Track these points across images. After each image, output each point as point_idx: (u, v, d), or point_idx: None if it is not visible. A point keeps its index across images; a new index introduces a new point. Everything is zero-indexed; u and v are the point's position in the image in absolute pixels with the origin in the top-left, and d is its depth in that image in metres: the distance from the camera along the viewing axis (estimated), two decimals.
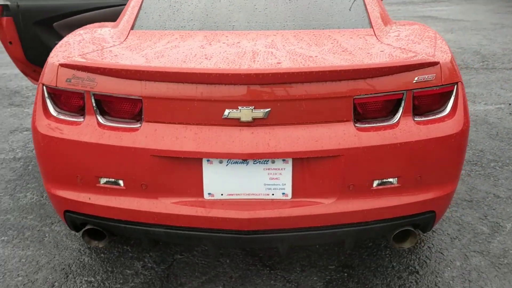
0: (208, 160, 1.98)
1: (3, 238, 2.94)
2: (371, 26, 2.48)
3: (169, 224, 2.03)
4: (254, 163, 1.98)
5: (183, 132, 1.95)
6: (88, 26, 2.81)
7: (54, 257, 2.76)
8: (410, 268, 2.64)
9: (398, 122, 2.01)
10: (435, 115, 2.07)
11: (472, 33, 8.88)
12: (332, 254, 2.75)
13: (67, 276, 2.60)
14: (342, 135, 1.95)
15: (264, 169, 1.99)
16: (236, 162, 1.98)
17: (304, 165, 1.98)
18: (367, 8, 2.61)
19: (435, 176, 2.09)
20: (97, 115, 2.03)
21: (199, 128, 1.95)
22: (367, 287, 2.49)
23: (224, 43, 2.24)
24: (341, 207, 2.01)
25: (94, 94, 2.00)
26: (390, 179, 2.04)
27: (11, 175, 3.77)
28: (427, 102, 2.06)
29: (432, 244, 2.84)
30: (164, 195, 2.02)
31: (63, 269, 2.66)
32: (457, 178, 2.17)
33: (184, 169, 1.99)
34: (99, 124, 2.02)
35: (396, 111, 2.03)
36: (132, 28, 2.53)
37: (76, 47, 2.26)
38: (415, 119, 2.03)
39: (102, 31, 2.58)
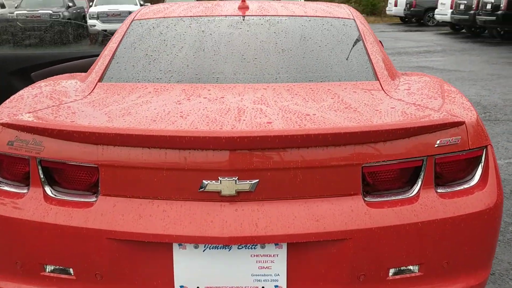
0: (180, 245, 1.56)
1: None
2: (377, 78, 2.13)
3: None
4: (238, 249, 1.57)
5: (149, 209, 1.55)
6: (54, 77, 2.45)
7: None
8: None
9: (417, 195, 1.62)
10: (461, 185, 1.69)
11: (469, 83, 8.67)
12: None
13: None
14: (349, 213, 1.56)
15: (251, 255, 1.58)
16: (215, 248, 1.57)
17: (302, 250, 1.57)
18: (371, 58, 2.28)
19: (465, 262, 1.68)
20: (44, 186, 1.63)
21: (169, 204, 1.55)
22: None
23: (205, 98, 1.88)
24: None
25: (40, 161, 1.61)
26: (410, 267, 1.63)
27: None
28: (452, 170, 1.68)
29: None
30: (124, 287, 1.59)
31: None
32: (490, 263, 1.76)
33: (150, 256, 1.58)
34: (45, 197, 1.62)
35: (415, 181, 1.64)
36: (100, 80, 2.17)
37: (29, 102, 1.89)
38: (438, 190, 1.65)
39: (67, 83, 2.22)
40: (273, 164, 1.52)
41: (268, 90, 1.98)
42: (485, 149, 1.72)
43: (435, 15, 19.16)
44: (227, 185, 1.51)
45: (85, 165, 1.57)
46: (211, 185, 1.52)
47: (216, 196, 1.54)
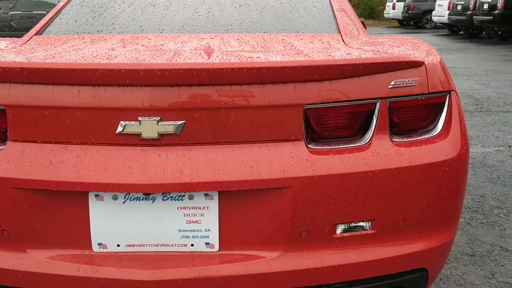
0: (96, 195, 1.38)
1: None
2: (339, 32, 1.95)
3: None
4: (163, 200, 1.38)
5: (61, 154, 1.37)
6: None
7: None
8: None
9: (369, 143, 1.43)
10: (420, 135, 1.50)
11: (463, 78, 8.49)
12: None
13: None
14: (288, 160, 1.37)
15: (178, 208, 1.39)
16: (137, 199, 1.38)
17: (236, 203, 1.38)
18: (335, 14, 2.10)
19: (425, 220, 1.48)
20: None
21: (83, 149, 1.37)
22: None
23: (142, 45, 1.70)
24: (290, 263, 1.39)
25: None
26: (361, 223, 1.44)
27: None
28: (410, 117, 1.49)
29: None
30: (35, 246, 1.40)
31: None
32: (455, 224, 1.57)
33: (63, 209, 1.39)
34: None
35: (367, 128, 1.45)
36: (38, 33, 2.00)
37: None
38: (394, 139, 1.46)
39: (6, 42, 2.04)
40: (201, 103, 1.33)
41: (215, 39, 1.80)
42: (448, 95, 1.53)
43: (432, 17, 19.03)
44: (147, 126, 1.32)
45: None
46: (129, 126, 1.33)
47: (136, 140, 1.35)
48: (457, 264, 2.57)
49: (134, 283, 1.35)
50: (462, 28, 17.10)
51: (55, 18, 2.14)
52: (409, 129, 1.50)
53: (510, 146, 4.60)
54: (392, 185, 1.42)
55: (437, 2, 18.24)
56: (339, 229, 1.42)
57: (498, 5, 13.87)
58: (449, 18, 16.78)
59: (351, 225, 1.43)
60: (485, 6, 14.37)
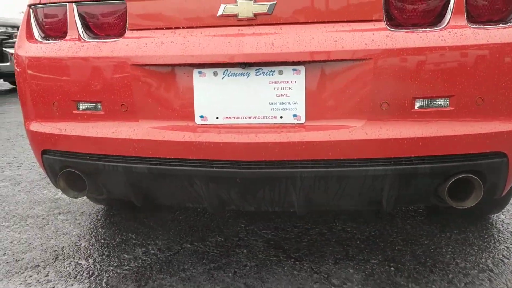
0: (199, 72, 1.59)
1: (3, 224, 2.64)
2: None
3: (151, 155, 1.62)
4: (256, 75, 1.56)
5: (171, 37, 1.60)
6: None
7: (50, 240, 2.40)
8: (480, 266, 1.98)
9: (447, 25, 1.53)
10: (498, 23, 1.57)
11: None
12: (375, 249, 2.16)
13: (57, 258, 2.21)
14: (370, 35, 1.50)
15: (269, 82, 1.56)
16: (234, 74, 1.57)
17: (321, 74, 1.54)
18: None
19: (504, 101, 1.54)
20: (78, 30, 1.74)
21: (189, 31, 1.59)
22: (421, 283, 1.87)
23: None
24: (371, 133, 1.51)
25: (77, 6, 1.73)
26: (439, 100, 1.53)
27: (35, 177, 3.55)
28: (487, 5, 1.57)
29: None
30: (147, 117, 1.64)
31: (55, 251, 2.27)
32: None
33: (171, 84, 1.62)
34: (79, 38, 1.72)
35: (444, 14, 1.56)
36: None
37: None
38: (471, 25, 1.55)
39: None
40: None
41: None
42: None
43: None
44: (244, 6, 1.53)
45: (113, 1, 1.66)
46: (228, 8, 1.54)
47: (234, 20, 1.55)
48: None
49: (231, 146, 1.53)
50: None
51: None
52: (487, 18, 1.58)
53: None
54: (470, 63, 1.50)
55: None
56: (418, 104, 1.52)
57: None
58: None
59: (430, 101, 1.52)
60: None
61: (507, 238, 2.23)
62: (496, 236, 2.26)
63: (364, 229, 2.38)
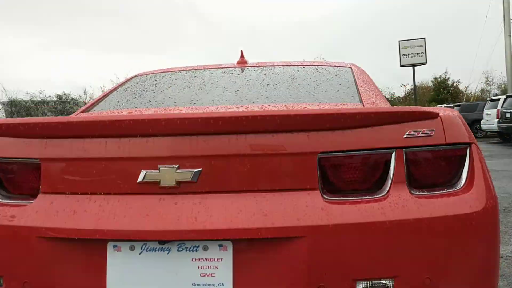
0: (114, 246, 1.40)
1: None
2: (361, 102, 2.02)
3: None
4: (178, 250, 1.38)
5: (85, 204, 1.43)
6: None
7: None
8: None
9: (387, 194, 1.41)
10: (442, 189, 1.46)
11: None
12: None
13: None
14: (303, 208, 1.36)
15: (192, 259, 1.38)
16: (153, 249, 1.39)
17: (251, 251, 1.36)
18: (359, 90, 2.19)
19: (453, 280, 1.38)
20: None
21: (106, 199, 1.42)
22: None
23: (170, 110, 1.82)
24: None
25: None
26: (383, 280, 1.36)
27: None
28: (428, 169, 1.47)
29: None
30: None
31: None
32: (489, 285, 1.44)
33: (82, 260, 1.41)
34: None
35: (384, 180, 1.44)
36: (83, 111, 2.22)
37: None
38: (413, 192, 1.43)
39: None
40: (217, 150, 1.39)
41: (241, 107, 1.90)
42: (469, 147, 1.50)
43: (482, 126, 18.89)
44: (166, 174, 1.38)
45: (28, 161, 1.50)
46: (150, 174, 1.39)
47: (156, 189, 1.40)
48: None
49: None
50: None
51: (101, 101, 2.35)
52: (430, 182, 1.47)
53: None
54: (414, 238, 1.35)
55: (485, 111, 18.22)
56: (360, 286, 1.35)
57: None
58: (498, 126, 16.59)
59: (372, 282, 1.35)
60: None
61: None
62: None
63: None
